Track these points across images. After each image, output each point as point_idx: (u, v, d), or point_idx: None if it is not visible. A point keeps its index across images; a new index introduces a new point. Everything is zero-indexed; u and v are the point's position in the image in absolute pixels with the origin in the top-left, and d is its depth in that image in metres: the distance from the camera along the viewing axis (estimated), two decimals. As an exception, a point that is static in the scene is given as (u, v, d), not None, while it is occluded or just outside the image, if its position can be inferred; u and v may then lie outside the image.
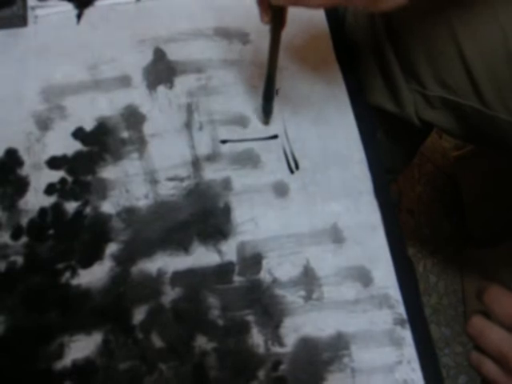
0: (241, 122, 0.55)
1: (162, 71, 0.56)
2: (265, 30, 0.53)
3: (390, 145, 0.68)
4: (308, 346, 0.48)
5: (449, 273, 1.10)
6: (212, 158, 0.53)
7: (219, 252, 0.50)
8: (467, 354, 1.04)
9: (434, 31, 0.56)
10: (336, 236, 0.51)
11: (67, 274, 0.49)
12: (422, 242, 1.12)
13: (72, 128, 0.54)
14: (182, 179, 0.52)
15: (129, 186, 0.52)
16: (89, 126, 0.54)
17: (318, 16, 0.59)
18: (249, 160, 0.53)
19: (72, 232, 0.50)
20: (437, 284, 1.09)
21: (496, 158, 0.96)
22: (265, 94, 0.52)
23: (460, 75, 0.56)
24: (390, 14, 0.58)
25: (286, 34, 0.55)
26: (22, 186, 0.52)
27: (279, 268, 0.50)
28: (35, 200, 0.51)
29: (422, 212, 1.15)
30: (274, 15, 0.46)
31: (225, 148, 0.54)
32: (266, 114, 0.54)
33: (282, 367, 0.47)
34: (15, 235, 0.50)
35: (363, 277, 0.50)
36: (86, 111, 0.54)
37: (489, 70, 0.54)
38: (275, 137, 0.54)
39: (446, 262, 1.11)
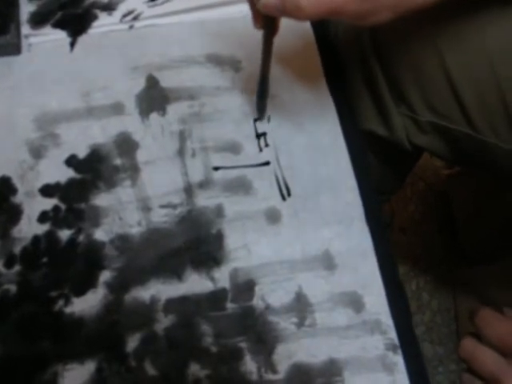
0: (233, 148, 0.55)
1: (154, 98, 0.56)
2: (256, 57, 0.54)
3: (381, 168, 0.69)
4: (301, 372, 0.48)
5: (441, 291, 1.11)
6: (205, 184, 0.54)
7: (212, 279, 0.51)
8: (461, 372, 1.04)
9: (422, 57, 0.57)
10: (328, 262, 0.52)
11: (60, 302, 0.49)
12: (415, 261, 1.12)
13: (65, 155, 0.54)
14: (174, 206, 0.53)
15: (122, 213, 0.52)
16: (82, 153, 0.54)
17: (309, 41, 0.60)
18: (241, 187, 0.54)
19: (65, 260, 0.51)
20: (430, 302, 1.10)
21: (487, 177, 0.97)
22: (258, 93, 0.54)
23: (449, 101, 0.56)
24: (379, 39, 0.59)
25: (277, 61, 0.56)
26: (15, 214, 0.52)
27: (272, 294, 0.50)
28: (28, 228, 0.51)
29: (415, 230, 1.15)
30: (266, 22, 0.48)
31: (217, 175, 0.54)
32: (260, 111, 0.56)
33: (275, 394, 0.48)
34: (8, 263, 0.50)
35: (355, 303, 0.51)
36: (79, 139, 0.54)
37: (477, 96, 0.55)
38: (267, 163, 0.55)
39: (439, 280, 1.11)
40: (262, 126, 0.56)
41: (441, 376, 1.05)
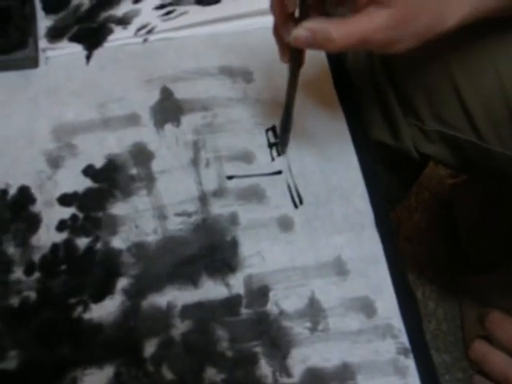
0: (246, 158, 0.56)
1: (169, 110, 0.58)
2: (268, 68, 0.56)
3: (389, 176, 0.70)
4: (315, 376, 0.49)
5: (447, 299, 1.11)
6: (219, 193, 0.55)
7: (227, 285, 0.52)
8: (467, 379, 1.05)
9: (430, 70, 0.58)
10: (340, 268, 0.53)
11: (79, 309, 0.50)
12: (421, 269, 1.13)
13: (82, 166, 0.55)
14: (189, 214, 0.54)
15: (138, 221, 0.53)
16: (98, 163, 0.55)
17: (319, 55, 0.61)
18: (254, 195, 0.55)
19: (83, 267, 0.52)
20: (436, 310, 1.10)
21: (491, 185, 0.98)
22: (282, 126, 0.55)
23: (456, 111, 0.58)
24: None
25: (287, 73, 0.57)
26: (34, 222, 0.53)
27: (286, 300, 0.52)
28: (47, 236, 0.52)
29: (420, 239, 1.16)
30: (293, 55, 0.49)
31: (231, 184, 0.55)
32: (283, 144, 0.56)
33: (290, 398, 0.49)
34: (28, 271, 0.51)
35: (367, 308, 0.52)
36: (96, 149, 0.56)
37: (483, 105, 0.56)
38: (279, 172, 0.56)
39: (445, 289, 1.12)
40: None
41: (447, 384, 1.06)
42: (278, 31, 0.48)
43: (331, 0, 0.48)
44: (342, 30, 0.43)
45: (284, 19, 0.47)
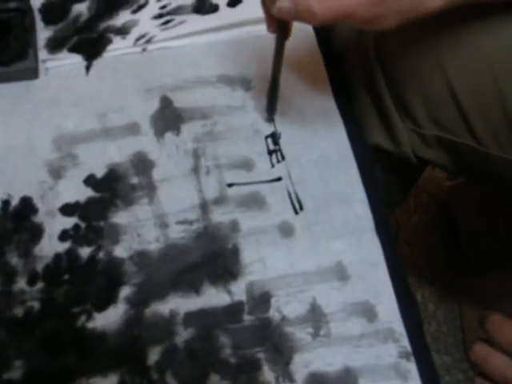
0: (246, 165, 0.57)
1: (169, 118, 0.58)
2: (266, 76, 0.56)
3: (387, 180, 0.70)
4: (317, 381, 0.50)
5: (447, 301, 1.12)
6: (219, 201, 0.55)
7: (229, 292, 0.52)
8: (467, 381, 1.05)
9: (427, 74, 0.58)
10: (341, 273, 0.53)
11: (83, 318, 0.51)
12: (420, 272, 1.14)
13: (84, 175, 0.56)
14: (191, 222, 0.54)
15: (140, 230, 0.54)
16: (100, 173, 0.56)
17: (316, 59, 0.62)
18: (255, 202, 0.55)
19: (86, 276, 0.52)
20: (435, 312, 1.11)
21: (490, 187, 0.98)
22: (269, 94, 0.57)
23: (453, 115, 0.58)
24: (384, 56, 0.61)
25: (286, 80, 0.58)
26: (36, 233, 0.53)
27: (287, 306, 0.52)
28: (50, 246, 0.53)
29: (419, 242, 1.17)
30: (279, 26, 0.50)
31: (231, 191, 0.56)
32: (270, 112, 0.58)
33: (294, 403, 0.49)
34: (31, 281, 0.52)
35: (368, 312, 0.52)
36: (97, 159, 0.56)
37: (481, 110, 0.56)
38: (279, 179, 0.56)
39: (444, 291, 1.12)
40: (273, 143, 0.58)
41: (448, 386, 1.06)
42: (264, 2, 0.50)
43: None
44: (324, 4, 0.44)
45: None
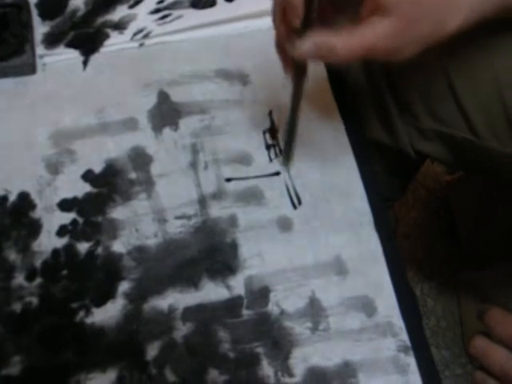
0: (244, 160, 0.57)
1: (166, 113, 0.58)
2: (264, 70, 0.56)
3: (386, 175, 0.70)
4: (316, 375, 0.50)
5: (446, 295, 1.12)
6: (218, 195, 0.55)
7: (228, 287, 0.52)
8: (466, 375, 1.05)
9: (426, 67, 0.58)
10: (339, 268, 0.53)
11: (81, 313, 0.51)
12: (419, 266, 1.14)
13: (81, 171, 0.56)
14: (189, 217, 0.54)
15: (138, 225, 0.54)
16: (97, 168, 0.56)
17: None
18: (253, 197, 0.55)
19: (85, 272, 0.52)
20: (434, 307, 1.11)
21: (488, 181, 0.98)
22: (286, 139, 0.55)
23: (452, 109, 0.58)
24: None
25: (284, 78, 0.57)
26: (34, 228, 0.53)
27: (286, 300, 0.52)
28: (48, 242, 0.53)
29: (418, 236, 1.17)
30: (296, 67, 0.48)
31: (230, 186, 0.56)
32: (287, 157, 0.56)
33: (293, 397, 0.49)
34: (30, 277, 0.52)
35: (367, 306, 0.52)
36: (95, 154, 0.56)
37: (479, 104, 0.56)
38: (277, 173, 0.56)
39: (443, 285, 1.12)
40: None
41: (447, 380, 1.06)
42: (281, 45, 0.48)
43: (330, 10, 0.48)
44: (346, 42, 0.43)
45: (287, 33, 0.47)
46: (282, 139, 0.57)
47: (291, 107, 0.52)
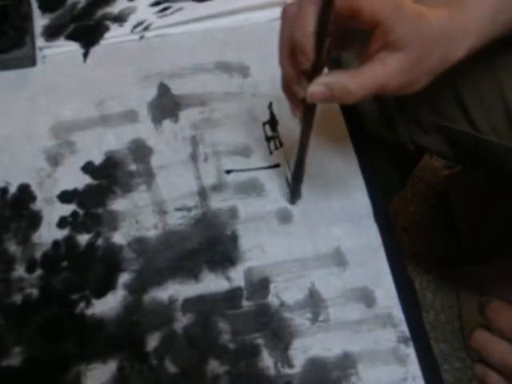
0: (244, 152, 0.57)
1: (166, 105, 0.58)
2: (264, 63, 0.56)
3: (385, 169, 0.71)
4: (316, 366, 0.50)
5: (444, 289, 1.12)
6: (218, 187, 0.55)
7: (228, 278, 0.52)
8: (465, 369, 1.06)
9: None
10: (339, 259, 0.53)
11: (81, 305, 0.51)
12: (418, 260, 1.14)
13: (81, 163, 0.56)
14: (189, 209, 0.54)
15: (138, 217, 0.54)
16: (97, 160, 0.56)
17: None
18: (253, 189, 0.55)
19: (85, 263, 0.52)
20: (433, 301, 1.11)
21: (487, 175, 0.98)
22: (294, 176, 0.54)
23: (451, 102, 0.58)
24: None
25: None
26: (35, 220, 0.53)
27: (286, 292, 0.52)
28: (48, 233, 0.53)
29: (417, 230, 1.17)
30: (306, 109, 0.47)
31: (230, 178, 0.56)
32: (294, 195, 0.55)
33: (293, 388, 0.49)
34: (30, 268, 0.52)
35: (367, 297, 0.52)
36: (95, 146, 0.56)
37: (478, 97, 0.56)
38: (277, 166, 0.56)
39: (442, 279, 1.13)
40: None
41: (446, 373, 1.06)
42: (290, 88, 0.47)
43: (334, 46, 0.46)
44: (358, 81, 0.43)
45: (297, 76, 0.46)
46: (283, 131, 0.57)
47: (299, 147, 0.51)
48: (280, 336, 0.51)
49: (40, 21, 0.60)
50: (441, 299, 1.12)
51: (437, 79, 0.56)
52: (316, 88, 0.43)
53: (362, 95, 0.43)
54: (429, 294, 1.12)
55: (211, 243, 0.53)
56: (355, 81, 0.43)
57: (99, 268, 0.52)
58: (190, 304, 0.51)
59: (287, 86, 0.48)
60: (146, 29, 0.61)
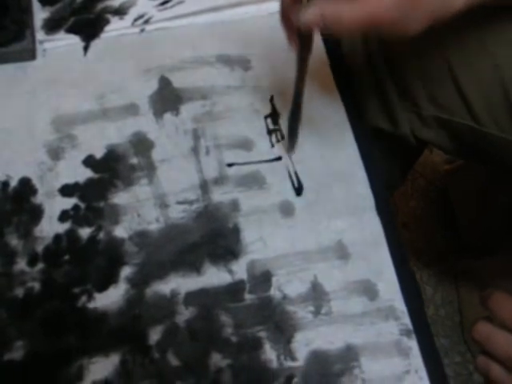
0: (245, 145, 0.57)
1: (167, 99, 0.58)
2: (265, 56, 0.56)
3: (386, 162, 0.70)
4: (319, 359, 0.50)
5: (444, 284, 1.12)
6: (219, 181, 0.55)
7: (230, 271, 0.52)
8: (465, 363, 1.06)
9: (427, 54, 0.58)
10: (341, 252, 0.53)
11: (83, 298, 0.51)
12: (418, 255, 1.14)
13: (83, 156, 0.55)
14: (191, 202, 0.54)
15: (140, 210, 0.54)
16: (99, 153, 0.56)
17: (316, 44, 0.61)
18: (255, 182, 0.55)
19: (87, 257, 0.52)
20: (433, 296, 1.11)
21: (488, 169, 0.98)
22: (290, 122, 0.54)
23: (452, 95, 0.58)
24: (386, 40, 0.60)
25: (286, 63, 0.57)
26: (36, 214, 0.53)
27: (288, 285, 0.52)
28: (50, 227, 0.53)
29: (417, 225, 1.17)
30: (302, 41, 0.48)
31: (231, 171, 0.56)
32: (291, 139, 0.55)
33: (295, 381, 0.49)
34: (31, 262, 0.51)
35: (369, 290, 0.52)
36: (96, 139, 0.56)
37: (480, 90, 0.56)
38: (279, 158, 0.56)
39: (442, 274, 1.13)
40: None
41: (446, 368, 1.06)
42: (286, 16, 0.48)
43: None
44: (352, 10, 0.42)
45: (292, 2, 0.46)
46: (285, 124, 0.56)
47: (296, 85, 0.52)
48: (282, 329, 0.51)
49: (40, 14, 0.60)
50: (441, 294, 1.12)
51: (434, 66, 0.56)
52: (310, 13, 0.43)
53: (354, 25, 0.43)
54: (429, 289, 1.12)
55: (213, 236, 0.53)
56: (348, 9, 0.42)
57: (101, 261, 0.52)
58: (192, 297, 0.51)
59: (284, 14, 0.48)
60: (146, 22, 0.61)
